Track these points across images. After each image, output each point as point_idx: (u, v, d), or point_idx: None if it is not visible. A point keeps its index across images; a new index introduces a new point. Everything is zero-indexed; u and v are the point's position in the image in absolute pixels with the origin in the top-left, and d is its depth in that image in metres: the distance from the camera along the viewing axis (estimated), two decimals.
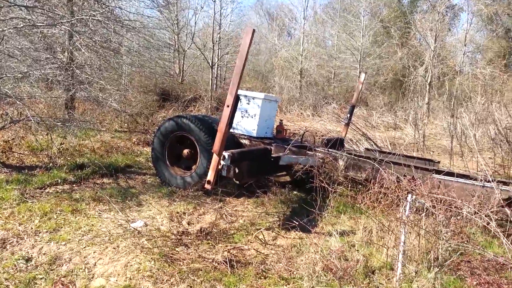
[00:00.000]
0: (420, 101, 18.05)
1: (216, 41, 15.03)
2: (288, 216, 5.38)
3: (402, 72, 23.42)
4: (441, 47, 19.77)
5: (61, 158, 6.98)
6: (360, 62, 22.48)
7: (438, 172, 5.39)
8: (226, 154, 4.72)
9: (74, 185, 6.09)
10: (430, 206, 3.82)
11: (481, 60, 21.74)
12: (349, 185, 5.61)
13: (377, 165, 5.13)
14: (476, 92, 16.81)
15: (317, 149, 6.10)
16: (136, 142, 10.05)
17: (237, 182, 5.18)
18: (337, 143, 7.72)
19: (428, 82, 18.14)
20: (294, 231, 4.80)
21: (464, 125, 10.76)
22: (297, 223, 4.58)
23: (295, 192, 6.38)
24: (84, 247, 4.23)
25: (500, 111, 14.58)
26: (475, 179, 5.22)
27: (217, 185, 5.92)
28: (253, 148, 5.67)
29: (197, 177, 6.03)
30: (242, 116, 6.59)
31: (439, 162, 6.08)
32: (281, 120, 7.12)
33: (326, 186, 5.20)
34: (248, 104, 6.51)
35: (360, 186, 5.50)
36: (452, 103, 17.47)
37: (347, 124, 8.22)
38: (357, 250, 3.96)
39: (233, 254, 4.12)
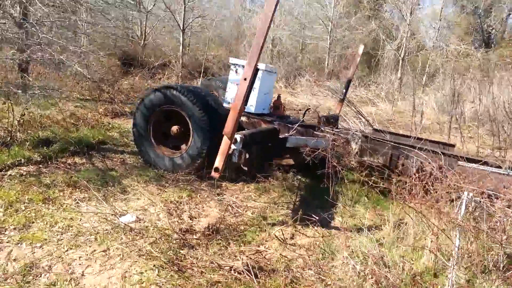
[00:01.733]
0: (393, 75, 17.82)
1: (187, 2, 13.74)
2: (299, 206, 4.76)
3: (372, 45, 23.15)
4: (414, 21, 19.51)
5: (22, 132, 5.91)
6: (330, 33, 21.87)
7: (461, 158, 4.91)
8: (238, 136, 3.98)
9: (41, 166, 5.12)
10: (486, 204, 3.31)
11: (448, 36, 21.73)
12: (362, 171, 5.05)
13: (402, 150, 4.59)
14: (444, 68, 16.82)
15: (325, 129, 5.47)
16: (103, 113, 8.99)
17: (245, 168, 4.48)
18: (333, 121, 7.16)
19: (402, 57, 17.90)
20: (312, 226, 4.19)
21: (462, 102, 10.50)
22: (317, 217, 3.97)
23: (299, 177, 5.75)
24: (66, 250, 3.41)
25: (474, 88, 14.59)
26: (498, 167, 4.80)
27: (206, 168, 5.19)
28: (263, 128, 4.96)
29: (189, 159, 5.25)
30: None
31: (454, 145, 5.64)
32: (279, 95, 6.39)
33: (340, 171, 4.63)
34: None
35: (377, 172, 4.95)
36: (424, 78, 17.45)
37: (342, 100, 7.63)
38: (402, 256, 3.42)
39: (253, 259, 3.45)
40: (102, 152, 6.04)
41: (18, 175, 4.70)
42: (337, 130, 5.45)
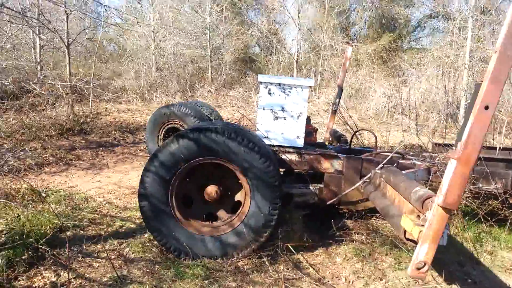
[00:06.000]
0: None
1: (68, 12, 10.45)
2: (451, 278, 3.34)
3: (243, 50, 22.68)
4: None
5: None
6: (209, 40, 20.51)
7: None
8: None
9: None
10: None
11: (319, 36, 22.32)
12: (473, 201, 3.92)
13: None
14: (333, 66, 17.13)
15: (406, 156, 4.17)
16: None
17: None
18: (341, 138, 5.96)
19: (296, 59, 17.56)
20: None
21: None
22: None
23: (380, 222, 4.26)
24: None
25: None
26: None
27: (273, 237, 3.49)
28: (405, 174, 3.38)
29: (251, 232, 3.38)
30: (275, 118, 4.07)
31: None
32: (309, 116, 4.81)
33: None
34: (287, 96, 4.03)
35: (493, 200, 3.85)
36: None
37: (335, 112, 6.39)
38: None
39: None
40: (73, 246, 3.65)
41: None
42: (425, 155, 4.18)
